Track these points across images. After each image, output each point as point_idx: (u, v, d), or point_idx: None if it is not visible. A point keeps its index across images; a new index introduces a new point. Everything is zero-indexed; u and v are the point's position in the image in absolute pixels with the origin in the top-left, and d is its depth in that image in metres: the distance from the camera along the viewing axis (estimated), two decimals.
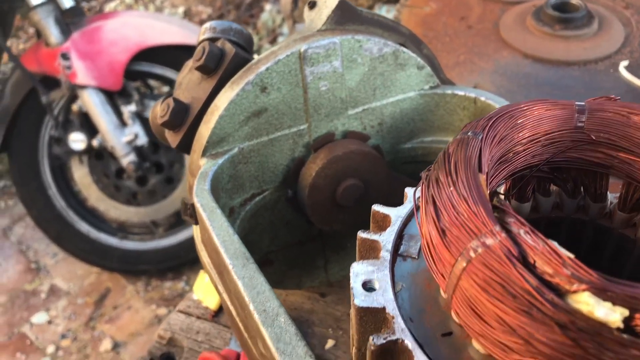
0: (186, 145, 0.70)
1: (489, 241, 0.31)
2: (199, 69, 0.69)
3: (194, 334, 0.82)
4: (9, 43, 3.61)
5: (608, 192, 0.44)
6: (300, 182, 0.72)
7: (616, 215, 0.43)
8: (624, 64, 1.02)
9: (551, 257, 0.30)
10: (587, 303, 0.28)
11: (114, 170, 2.41)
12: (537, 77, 1.03)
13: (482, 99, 0.73)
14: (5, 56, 2.93)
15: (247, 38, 0.73)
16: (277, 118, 0.69)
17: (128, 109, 2.30)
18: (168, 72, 2.32)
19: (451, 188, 0.34)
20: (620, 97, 0.43)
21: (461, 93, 0.75)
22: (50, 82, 2.25)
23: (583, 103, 0.41)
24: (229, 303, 0.58)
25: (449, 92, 0.75)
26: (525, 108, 0.40)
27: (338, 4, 0.70)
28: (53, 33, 2.22)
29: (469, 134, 0.38)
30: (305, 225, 0.77)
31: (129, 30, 2.29)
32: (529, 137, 0.39)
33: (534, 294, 0.29)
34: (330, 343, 0.79)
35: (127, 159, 2.32)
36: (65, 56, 2.20)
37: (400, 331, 0.36)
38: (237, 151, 0.68)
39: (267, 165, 0.71)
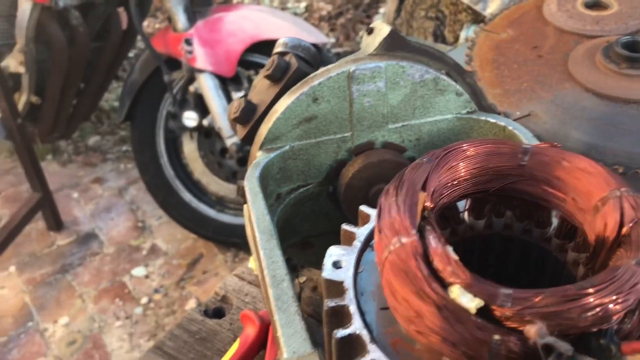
0: (250, 138, 0.85)
1: (404, 239, 0.42)
2: (267, 77, 0.83)
3: (243, 295, 0.97)
4: (146, 22, 3.99)
5: (554, 218, 0.53)
6: (339, 181, 0.85)
7: (553, 241, 0.52)
8: None
9: (443, 257, 0.41)
10: (457, 293, 0.39)
11: (218, 149, 2.64)
12: (592, 111, 1.08)
13: (510, 128, 0.82)
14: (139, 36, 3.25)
15: (313, 55, 0.87)
16: (325, 125, 0.82)
17: (238, 95, 2.51)
18: None
19: (393, 198, 0.46)
20: None
21: (493, 120, 0.84)
22: (173, 64, 2.51)
23: (529, 146, 0.50)
24: (257, 268, 0.72)
25: (483, 118, 0.84)
26: (477, 144, 0.50)
27: (389, 32, 0.81)
28: (180, 20, 2.47)
29: (424, 159, 0.49)
30: (341, 217, 0.90)
31: (246, 23, 2.49)
32: (476, 168, 0.49)
33: (423, 280, 0.40)
34: None
35: (231, 141, 2.54)
36: (188, 42, 2.44)
37: (349, 300, 0.48)
38: (288, 148, 0.82)
39: (312, 163, 0.84)
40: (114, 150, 3.36)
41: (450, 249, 0.41)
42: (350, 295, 0.48)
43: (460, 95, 0.84)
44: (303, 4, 4.37)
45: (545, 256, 0.53)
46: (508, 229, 0.54)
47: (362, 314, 0.47)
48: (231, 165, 2.68)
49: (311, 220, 0.89)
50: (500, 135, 0.84)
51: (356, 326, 0.46)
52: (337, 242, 0.96)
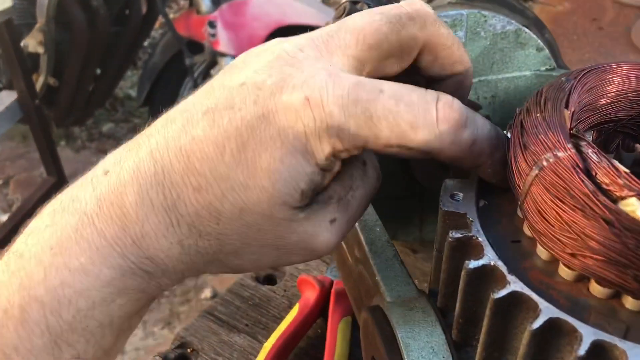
0: None
1: (560, 154, 0.38)
2: None
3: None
4: None
5: None
6: None
7: None
8: None
9: (610, 170, 0.36)
10: (633, 205, 0.34)
11: None
12: None
13: None
14: (158, 22, 3.21)
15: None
16: None
17: None
18: None
19: (538, 115, 0.41)
20: None
21: None
22: (195, 47, 2.47)
23: None
24: None
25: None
26: (616, 66, 0.45)
27: None
28: (204, 2, 2.43)
29: (562, 79, 0.44)
30: (408, 180, 0.85)
31: (271, 7, 2.45)
32: (616, 91, 0.45)
33: (590, 195, 0.35)
34: None
35: None
36: (212, 24, 2.40)
37: (476, 231, 0.43)
38: None
39: None
40: (128, 138, 3.30)
41: (617, 162, 0.37)
42: (477, 226, 0.43)
43: (540, 50, 0.79)
44: None
45: None
46: (638, 165, 0.49)
47: (491, 245, 0.42)
48: None
49: None
50: None
51: (490, 257, 0.41)
52: (400, 206, 0.92)
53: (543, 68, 0.81)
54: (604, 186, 0.36)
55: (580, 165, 0.37)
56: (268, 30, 2.45)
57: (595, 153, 0.38)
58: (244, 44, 2.44)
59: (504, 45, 0.78)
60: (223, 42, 2.45)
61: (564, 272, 0.40)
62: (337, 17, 0.79)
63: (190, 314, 2.49)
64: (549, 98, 0.42)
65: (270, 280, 0.91)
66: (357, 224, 0.57)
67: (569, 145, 0.38)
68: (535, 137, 0.40)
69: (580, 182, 0.36)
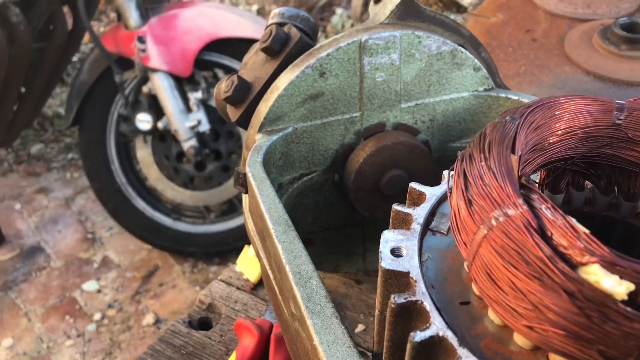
0: (245, 120, 0.74)
1: (511, 212, 0.33)
2: (264, 50, 0.73)
3: (232, 303, 0.86)
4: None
5: None
6: (347, 167, 0.75)
7: None
8: None
9: (567, 230, 0.32)
10: (596, 274, 0.30)
11: (175, 153, 2.50)
12: (596, 94, 1.02)
13: None
14: (86, 36, 3.07)
15: (313, 26, 0.77)
16: (332, 103, 0.72)
17: (194, 96, 2.38)
18: (236, 64, 2.39)
19: (482, 163, 0.36)
20: None
21: (515, 97, 0.76)
22: (125, 63, 2.36)
23: (623, 102, 0.42)
24: (267, 267, 0.61)
25: (503, 95, 0.77)
26: (564, 101, 0.41)
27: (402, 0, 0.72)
28: (132, 16, 2.32)
29: (506, 118, 0.40)
30: (348, 210, 0.80)
31: (203, 20, 2.37)
32: (565, 128, 0.41)
33: (547, 262, 0.31)
34: (360, 327, 0.81)
35: (189, 144, 2.41)
36: (141, 39, 2.30)
37: (421, 294, 0.38)
38: (291, 130, 0.72)
39: (317, 148, 0.74)
40: (59, 159, 3.15)
41: (574, 220, 0.32)
42: (420, 288, 0.39)
43: (478, 70, 0.76)
44: (255, 7, 4.27)
45: (634, 235, 0.45)
46: (589, 204, 0.46)
47: (438, 310, 0.38)
48: (188, 170, 2.54)
49: (313, 214, 0.79)
50: None
51: (438, 326, 0.36)
52: (341, 237, 0.87)
53: (481, 88, 0.78)
54: (562, 249, 0.32)
55: (534, 225, 0.33)
56: (201, 43, 2.38)
57: (550, 209, 0.33)
58: (176, 58, 2.36)
59: (440, 66, 0.74)
60: (154, 58, 2.35)
61: (520, 340, 0.36)
62: (264, 41, 0.73)
63: (132, 343, 2.37)
64: (494, 141, 0.38)
65: (204, 324, 0.85)
66: (291, 275, 0.52)
67: (520, 201, 0.34)
68: (481, 191, 0.35)
69: (535, 246, 0.32)
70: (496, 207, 0.34)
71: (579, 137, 0.42)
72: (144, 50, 2.30)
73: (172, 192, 2.58)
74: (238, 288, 0.88)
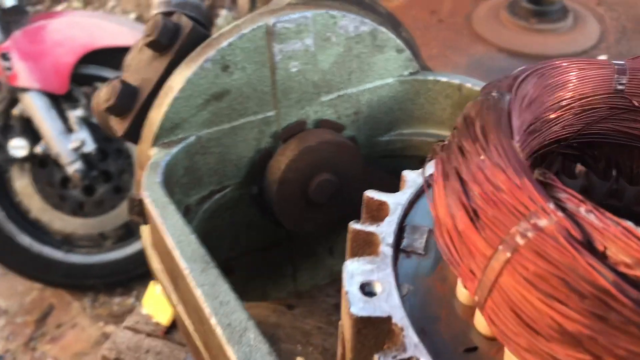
0: (134, 133, 0.60)
1: (543, 222, 0.23)
2: (150, 45, 0.60)
3: (143, 354, 0.71)
4: None
5: None
6: (267, 177, 0.63)
7: None
8: (601, 59, 0.98)
9: (630, 241, 0.22)
10: None
11: (58, 179, 2.27)
12: (512, 71, 0.97)
13: (468, 85, 0.66)
14: None
15: (206, 14, 0.65)
16: (240, 102, 0.60)
17: (75, 114, 2.17)
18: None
19: (482, 157, 0.26)
20: None
21: (444, 79, 0.68)
22: None
23: (623, 62, 0.34)
24: (184, 316, 0.48)
25: (431, 78, 0.68)
26: (558, 66, 0.32)
27: None
28: None
29: (493, 94, 0.30)
30: (271, 227, 0.68)
31: (75, 30, 2.17)
32: (562, 101, 0.32)
33: (612, 291, 0.21)
34: None
35: (73, 167, 2.20)
36: (5, 56, 2.07)
37: (413, 347, 0.27)
38: (194, 140, 0.59)
39: (228, 158, 0.62)
40: None
41: (631, 223, 0.23)
42: (411, 338, 0.28)
43: (401, 51, 0.67)
44: (132, 16, 4.03)
45: None
46: (586, 193, 0.37)
47: None
48: (76, 196, 2.31)
49: (231, 237, 0.66)
50: (455, 97, 0.69)
51: None
52: (266, 259, 0.74)
53: (406, 72, 0.68)
54: (625, 270, 0.22)
55: (580, 238, 0.23)
56: (76, 56, 2.18)
57: (593, 212, 0.23)
58: (48, 74, 2.14)
59: (360, 50, 0.64)
60: (22, 76, 2.13)
61: None
62: (149, 34, 0.60)
63: None
64: (488, 125, 0.27)
65: None
66: (219, 330, 0.39)
67: (551, 206, 0.24)
68: (491, 196, 0.25)
69: (590, 268, 0.22)
70: (520, 218, 0.24)
71: (575, 111, 0.33)
72: (9, 69, 2.06)
73: (60, 222, 2.34)
74: (148, 335, 0.74)
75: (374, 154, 0.70)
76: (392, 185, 0.40)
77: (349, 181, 0.66)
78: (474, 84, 0.66)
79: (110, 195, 2.27)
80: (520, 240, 0.23)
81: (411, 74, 0.69)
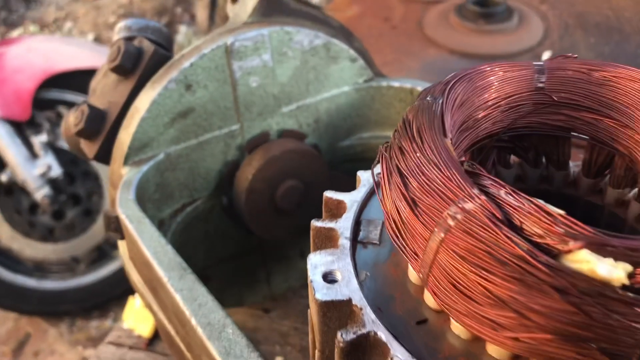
0: (105, 154, 0.63)
1: (469, 205, 0.27)
2: (114, 70, 0.63)
3: None
4: None
5: (570, 161, 0.42)
6: (235, 188, 0.67)
7: (581, 182, 0.41)
8: (546, 55, 1.04)
9: (540, 215, 0.26)
10: (588, 261, 0.25)
11: (26, 206, 2.25)
12: None
13: (419, 88, 0.71)
14: None
15: (167, 36, 0.68)
16: (205, 119, 0.63)
17: (39, 140, 2.16)
18: (82, 98, 2.20)
19: (418, 154, 0.30)
20: None
21: (397, 84, 0.72)
22: None
23: (542, 62, 0.38)
24: (166, 322, 0.51)
25: (384, 84, 0.72)
26: (482, 70, 0.37)
27: None
28: None
29: (427, 99, 0.34)
30: (243, 235, 0.71)
31: (34, 55, 2.17)
32: (489, 101, 0.36)
33: (527, 258, 0.25)
34: None
35: (41, 193, 2.18)
36: None
37: (371, 323, 0.31)
38: (163, 157, 0.62)
39: (197, 171, 0.65)
40: None
41: (542, 201, 0.27)
42: (369, 316, 0.32)
43: (354, 61, 0.71)
44: (90, 36, 4.01)
45: (571, 204, 0.41)
46: (520, 181, 0.42)
47: (394, 337, 0.31)
48: (45, 221, 2.29)
49: (206, 247, 0.70)
50: (408, 100, 0.73)
51: (401, 358, 0.30)
52: (240, 266, 0.78)
53: (361, 80, 0.73)
54: (538, 240, 0.26)
55: (499, 216, 0.27)
56: (36, 81, 2.17)
57: (511, 194, 0.28)
58: (9, 101, 2.13)
59: (316, 62, 0.68)
60: None
61: (495, 351, 0.30)
62: (112, 60, 0.63)
63: None
64: (423, 126, 0.32)
65: None
66: (200, 329, 0.42)
67: (476, 191, 0.28)
68: (426, 187, 0.29)
69: (508, 241, 0.26)
70: (449, 204, 0.28)
71: (503, 109, 0.37)
72: None
73: (31, 249, 2.32)
74: (131, 347, 0.76)
75: (336, 159, 0.74)
76: (354, 186, 0.44)
77: (314, 186, 0.69)
78: (424, 87, 0.71)
79: (81, 218, 2.26)
80: (451, 222, 0.27)
81: (366, 81, 0.73)
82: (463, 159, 0.40)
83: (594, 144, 0.39)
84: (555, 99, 0.37)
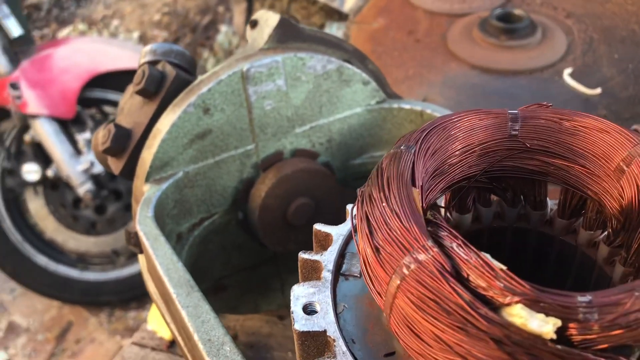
0: (129, 171, 0.68)
1: (422, 257, 0.30)
2: (139, 92, 0.67)
3: None
4: None
5: (548, 200, 0.44)
6: (250, 204, 0.71)
7: (556, 222, 0.43)
8: (567, 71, 1.04)
9: (484, 269, 0.29)
10: (521, 316, 0.28)
11: (70, 200, 2.35)
12: (485, 87, 1.04)
13: (429, 111, 0.73)
14: None
15: (189, 60, 0.72)
16: (222, 139, 0.67)
17: (83, 137, 2.25)
18: None
19: (383, 204, 0.33)
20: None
21: (407, 107, 0.75)
22: (0, 113, 2.20)
23: (516, 111, 0.40)
24: (176, 333, 0.56)
25: (396, 106, 0.75)
26: (457, 119, 0.39)
27: (279, 22, 0.69)
28: (1, 62, 2.17)
29: (401, 148, 0.37)
30: (258, 248, 0.75)
31: (80, 56, 2.25)
32: (463, 147, 0.39)
33: (468, 309, 0.28)
34: None
35: (84, 188, 2.28)
36: (14, 86, 2.15)
37: (342, 354, 0.35)
38: (182, 175, 0.66)
39: (214, 188, 0.69)
40: None
41: (488, 256, 0.30)
42: (340, 347, 0.35)
43: (367, 84, 0.74)
44: (136, 34, 4.13)
45: (547, 243, 0.43)
46: (499, 218, 0.44)
47: None
48: (88, 215, 2.39)
49: (222, 259, 0.74)
50: (418, 122, 0.76)
51: None
52: (256, 276, 0.82)
53: (373, 102, 0.76)
54: (482, 291, 0.29)
55: (448, 268, 0.30)
56: (81, 81, 2.26)
57: (462, 246, 0.30)
58: (56, 100, 2.22)
59: (329, 85, 0.71)
60: (32, 103, 2.21)
61: None
62: (137, 83, 0.67)
63: None
64: (392, 177, 0.35)
65: None
66: (201, 345, 0.46)
67: (429, 243, 0.31)
68: (387, 236, 0.32)
69: (453, 292, 0.29)
70: (405, 253, 0.31)
71: (477, 154, 0.40)
72: (19, 97, 2.15)
73: (74, 241, 2.43)
74: (153, 349, 0.81)
75: (348, 177, 0.78)
76: None
77: (325, 203, 0.73)
78: (433, 110, 0.73)
79: (121, 213, 2.35)
80: (406, 271, 0.31)
81: (378, 102, 0.76)
82: (444, 197, 0.43)
83: (567, 189, 0.41)
84: (529, 145, 0.40)
